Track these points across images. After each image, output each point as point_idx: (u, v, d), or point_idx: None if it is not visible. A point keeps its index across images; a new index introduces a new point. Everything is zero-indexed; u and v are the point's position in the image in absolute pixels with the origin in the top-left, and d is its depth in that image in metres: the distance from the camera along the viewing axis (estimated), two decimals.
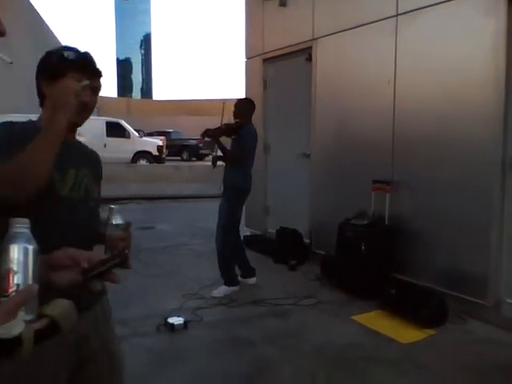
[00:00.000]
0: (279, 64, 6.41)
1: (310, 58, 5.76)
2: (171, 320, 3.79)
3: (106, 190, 8.34)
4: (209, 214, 9.00)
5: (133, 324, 3.90)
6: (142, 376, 3.09)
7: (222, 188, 4.74)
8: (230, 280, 4.67)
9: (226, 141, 4.80)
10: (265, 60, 6.58)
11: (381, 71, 4.81)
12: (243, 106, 4.78)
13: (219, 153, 4.86)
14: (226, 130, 4.71)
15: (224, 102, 4.95)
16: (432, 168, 4.37)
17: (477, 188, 3.99)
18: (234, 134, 4.69)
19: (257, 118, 6.64)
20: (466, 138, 4.06)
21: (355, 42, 5.15)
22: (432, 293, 4.09)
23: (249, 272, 4.93)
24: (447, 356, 3.38)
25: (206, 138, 4.97)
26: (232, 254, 4.76)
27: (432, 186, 4.37)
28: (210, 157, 5.23)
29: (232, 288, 4.64)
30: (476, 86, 3.96)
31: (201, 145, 25.19)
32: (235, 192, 4.65)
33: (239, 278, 4.84)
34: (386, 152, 4.77)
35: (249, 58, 6.98)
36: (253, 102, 4.94)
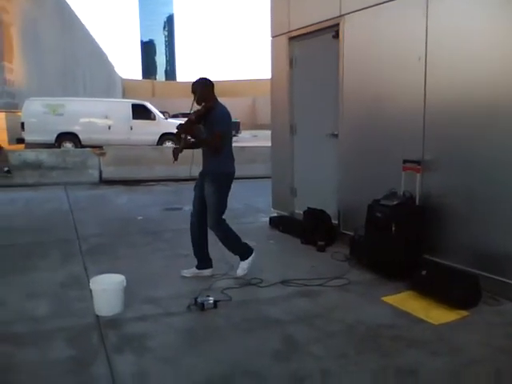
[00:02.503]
0: (306, 42, 6.30)
1: (337, 36, 5.64)
2: (201, 299, 3.82)
3: (134, 172, 8.62)
4: (236, 194, 9.01)
5: (163, 303, 3.96)
6: (174, 355, 3.14)
7: (202, 175, 4.55)
8: (244, 253, 4.62)
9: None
10: (291, 38, 6.47)
11: (411, 48, 4.67)
12: (200, 88, 4.46)
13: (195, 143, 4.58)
14: (197, 119, 4.43)
15: (193, 92, 4.53)
16: (464, 146, 4.26)
17: (509, 165, 3.88)
18: (204, 119, 4.43)
19: (283, 98, 6.63)
20: (500, 115, 3.94)
21: (384, 17, 5.00)
22: (464, 273, 4.03)
23: (206, 264, 4.72)
24: (480, 337, 3.33)
25: (186, 137, 4.56)
26: (231, 233, 4.60)
27: (464, 164, 4.27)
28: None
29: (250, 259, 4.59)
30: None
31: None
32: (221, 179, 4.46)
33: (194, 270, 4.68)
34: (416, 131, 4.66)
35: (274, 36, 6.87)
36: (208, 79, 4.56)
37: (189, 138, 4.51)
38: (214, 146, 4.40)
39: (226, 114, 4.46)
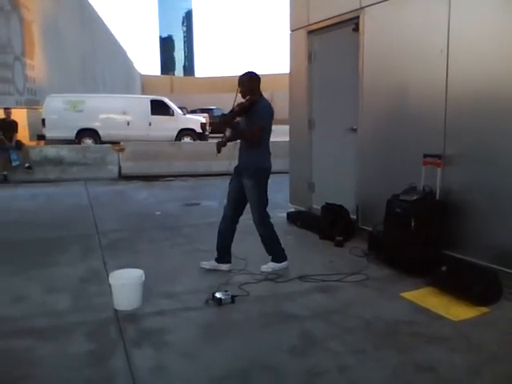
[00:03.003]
0: (325, 36, 6.24)
1: (357, 29, 5.57)
2: (219, 294, 3.83)
3: (153, 167, 8.68)
4: None
5: (182, 298, 3.98)
6: (192, 349, 3.15)
7: (239, 170, 4.54)
8: (278, 257, 4.65)
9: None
10: (310, 32, 6.42)
11: (433, 40, 4.60)
12: (247, 81, 4.47)
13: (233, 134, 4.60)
14: (240, 111, 4.44)
15: (238, 88, 4.58)
16: (486, 141, 4.19)
17: None
18: (247, 112, 4.43)
19: (301, 92, 6.59)
20: None
21: (405, 9, 4.93)
22: (485, 269, 3.96)
23: (225, 259, 4.72)
24: (501, 334, 3.28)
25: (228, 130, 4.66)
26: (274, 232, 4.64)
27: (486, 159, 4.19)
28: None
29: (281, 264, 4.62)
30: None
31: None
32: (259, 174, 4.46)
33: (213, 263, 4.70)
34: (437, 125, 4.59)
35: (293, 30, 6.83)
36: (256, 73, 4.57)
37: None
38: (253, 139, 4.42)
39: (268, 108, 4.47)
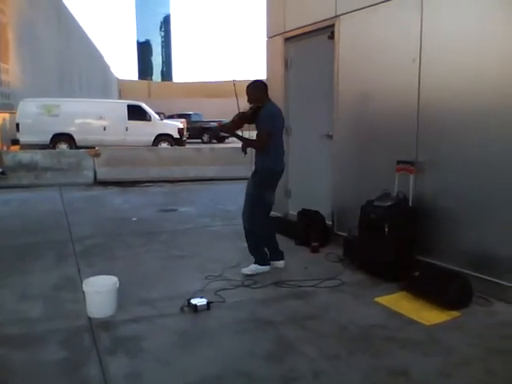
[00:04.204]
0: (301, 43, 6.31)
1: (332, 36, 5.65)
2: (194, 301, 3.83)
3: (129, 173, 8.63)
4: (231, 196, 9.07)
5: (157, 305, 3.96)
6: (167, 356, 3.14)
7: (254, 168, 4.72)
8: (260, 259, 4.70)
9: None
10: (286, 39, 6.49)
11: (406, 49, 4.69)
12: (254, 90, 4.62)
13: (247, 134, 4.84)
14: (241, 120, 4.64)
15: (234, 81, 4.81)
16: (458, 148, 4.28)
17: (504, 167, 3.90)
18: (255, 119, 4.61)
19: (278, 99, 6.57)
20: (495, 117, 3.96)
21: (379, 18, 5.02)
22: (456, 274, 4.04)
23: (277, 255, 4.90)
24: (472, 338, 3.34)
25: (224, 134, 4.98)
26: (262, 234, 4.75)
27: (458, 166, 4.28)
28: (231, 139, 5.18)
29: (263, 267, 4.67)
30: None
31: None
32: (263, 173, 4.63)
33: (262, 268, 4.78)
34: (410, 132, 4.68)
35: (270, 37, 6.88)
36: (263, 82, 4.78)
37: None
38: (258, 145, 4.60)
39: (272, 112, 4.58)
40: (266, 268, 4.69)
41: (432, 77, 4.47)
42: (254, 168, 4.74)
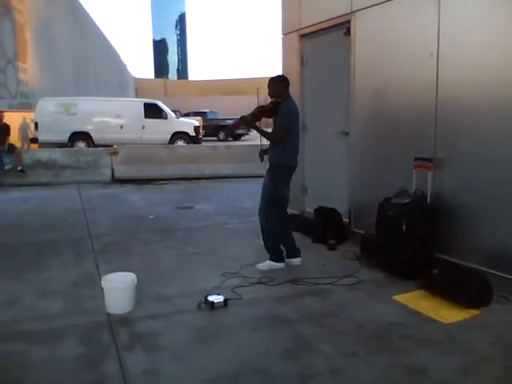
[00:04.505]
0: (317, 39, 6.28)
1: (348, 32, 5.61)
2: (211, 298, 3.84)
3: (146, 171, 8.70)
4: (246, 193, 9.06)
5: (174, 301, 3.99)
6: (184, 352, 3.16)
7: (268, 166, 4.72)
8: (276, 256, 4.70)
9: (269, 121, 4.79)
10: (302, 36, 6.46)
11: (423, 44, 4.63)
12: (275, 84, 4.69)
13: (264, 141, 4.81)
14: (260, 113, 4.68)
15: (258, 88, 4.89)
16: (477, 144, 4.22)
17: None
18: (274, 114, 4.64)
19: (294, 96, 6.52)
20: None
21: (396, 13, 4.97)
22: (475, 272, 3.99)
23: (294, 253, 4.90)
24: (492, 336, 3.30)
25: (243, 127, 5.01)
26: (278, 231, 4.75)
27: (477, 162, 4.22)
28: (247, 137, 5.18)
29: (278, 264, 4.67)
30: None
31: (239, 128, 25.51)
32: (277, 169, 4.64)
33: (277, 264, 4.80)
34: (428, 128, 4.62)
35: (285, 34, 6.86)
36: (284, 77, 4.85)
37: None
38: (273, 138, 4.65)
39: (291, 108, 4.63)
40: (281, 265, 4.69)
41: (450, 71, 4.41)
42: (268, 166, 4.75)
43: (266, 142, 4.80)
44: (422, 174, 4.64)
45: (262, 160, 4.81)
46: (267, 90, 4.72)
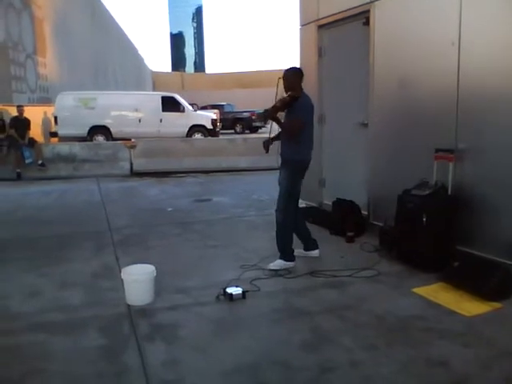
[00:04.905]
0: (335, 30, 6.21)
1: (367, 23, 5.54)
2: (230, 290, 3.85)
3: (164, 164, 8.76)
4: (264, 186, 9.06)
5: (193, 293, 4.01)
6: (203, 343, 3.18)
7: (280, 161, 4.66)
8: (286, 255, 4.64)
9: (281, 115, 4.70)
10: (320, 26, 6.40)
11: (444, 33, 4.55)
12: (291, 77, 4.57)
13: (273, 132, 4.70)
14: (282, 107, 4.55)
15: (279, 78, 4.74)
16: (499, 135, 4.14)
17: None
18: (289, 107, 4.55)
19: (312, 88, 6.53)
20: None
21: (415, 1, 4.89)
22: (497, 265, 3.93)
23: (312, 245, 4.88)
24: None
25: (262, 121, 4.84)
26: (292, 228, 4.72)
27: (499, 153, 4.14)
28: (263, 129, 5.04)
29: (288, 263, 4.60)
30: None
31: (254, 117, 25.48)
32: (292, 164, 4.57)
33: (302, 252, 4.82)
34: (449, 119, 4.55)
35: (303, 25, 6.81)
36: (300, 69, 4.75)
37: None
38: (291, 131, 4.53)
39: (307, 103, 4.56)
40: (291, 264, 4.61)
41: (473, 60, 4.33)
42: (280, 160, 4.67)
43: (274, 133, 4.72)
44: (443, 165, 4.57)
45: (267, 151, 4.62)
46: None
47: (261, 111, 4.67)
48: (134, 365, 2.93)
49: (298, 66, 4.70)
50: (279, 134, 4.71)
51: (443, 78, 4.63)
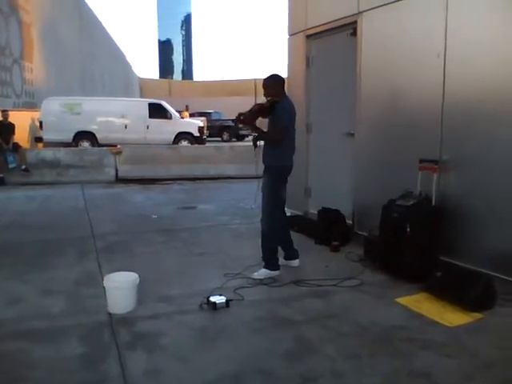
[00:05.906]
0: (323, 40, 6.27)
1: (354, 33, 5.59)
2: (213, 298, 3.82)
3: (150, 171, 8.69)
4: (250, 194, 9.00)
5: (176, 301, 3.97)
6: (185, 353, 3.14)
7: (263, 168, 4.64)
8: (271, 264, 4.61)
9: (264, 121, 4.69)
10: (308, 36, 6.44)
11: (430, 45, 4.61)
12: (271, 84, 4.54)
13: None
14: (258, 111, 4.56)
15: (255, 80, 4.77)
16: (483, 146, 4.19)
17: None
18: (270, 113, 4.54)
19: (299, 97, 6.58)
20: None
21: (402, 13, 4.95)
22: (480, 275, 3.96)
23: (292, 254, 4.87)
24: (496, 340, 3.27)
25: (241, 126, 4.86)
26: (278, 238, 4.71)
27: (483, 164, 4.20)
28: (250, 137, 5.06)
29: (272, 272, 4.57)
30: None
31: (240, 125, 25.48)
32: (277, 172, 4.56)
33: (282, 261, 4.79)
34: (434, 130, 4.60)
35: (291, 34, 6.85)
36: (279, 76, 4.65)
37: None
38: (272, 138, 4.52)
39: (288, 108, 4.53)
40: (276, 273, 4.58)
41: (458, 72, 4.39)
42: (263, 166, 4.64)
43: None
44: (427, 176, 4.61)
45: (256, 146, 4.60)
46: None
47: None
48: (114, 374, 2.89)
49: (281, 74, 4.67)
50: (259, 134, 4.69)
51: (429, 89, 4.68)
